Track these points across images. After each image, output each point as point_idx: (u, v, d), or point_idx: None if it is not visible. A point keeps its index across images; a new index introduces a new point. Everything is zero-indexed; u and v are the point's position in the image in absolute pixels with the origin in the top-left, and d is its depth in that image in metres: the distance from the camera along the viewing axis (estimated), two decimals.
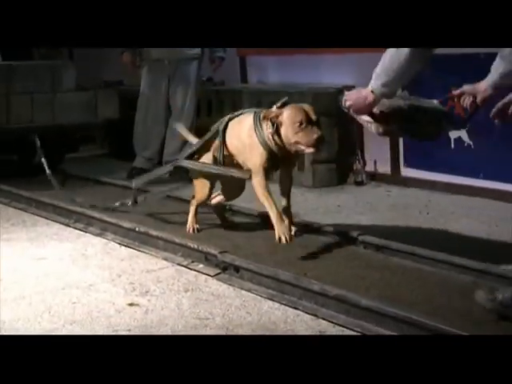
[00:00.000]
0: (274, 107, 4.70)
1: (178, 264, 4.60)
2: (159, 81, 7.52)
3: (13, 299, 4.05)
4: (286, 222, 4.62)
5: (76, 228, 5.51)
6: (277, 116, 4.58)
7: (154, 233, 4.98)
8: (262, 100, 6.81)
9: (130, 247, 4.99)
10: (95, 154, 8.59)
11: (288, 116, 4.55)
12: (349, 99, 3.93)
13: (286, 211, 4.71)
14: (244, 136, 4.79)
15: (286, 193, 4.78)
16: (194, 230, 5.13)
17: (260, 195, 4.65)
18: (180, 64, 7.41)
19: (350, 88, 6.97)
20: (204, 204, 5.20)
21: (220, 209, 5.39)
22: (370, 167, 6.95)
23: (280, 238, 4.47)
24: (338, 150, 6.92)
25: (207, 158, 5.08)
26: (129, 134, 7.76)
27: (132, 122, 7.72)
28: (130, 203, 5.55)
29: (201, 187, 5.09)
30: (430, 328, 3.33)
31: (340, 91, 6.86)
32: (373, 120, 3.98)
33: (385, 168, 6.86)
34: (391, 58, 3.56)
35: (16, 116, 7.17)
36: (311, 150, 4.54)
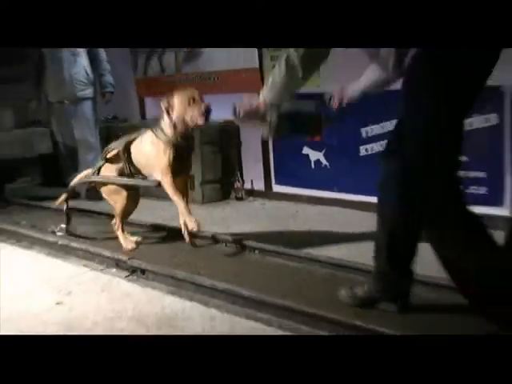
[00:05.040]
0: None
1: (95, 269, 4.61)
2: (64, 119, 7.44)
3: None
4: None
5: (8, 243, 5.45)
6: (169, 102, 4.58)
7: (74, 244, 5.00)
8: None
9: (55, 257, 4.97)
10: (31, 184, 8.40)
11: (178, 97, 4.56)
12: (240, 105, 3.68)
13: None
14: (148, 149, 4.71)
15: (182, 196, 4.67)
16: (131, 247, 4.93)
17: (171, 194, 4.56)
18: (77, 104, 7.31)
19: (228, 122, 7.13)
20: (126, 216, 5.07)
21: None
22: (247, 185, 7.07)
23: (193, 227, 4.49)
24: (221, 172, 6.98)
25: (111, 174, 4.98)
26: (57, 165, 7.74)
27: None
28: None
29: (116, 201, 4.97)
30: (297, 311, 3.48)
31: (223, 124, 7.05)
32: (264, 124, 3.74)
33: (259, 185, 6.97)
34: (273, 79, 3.42)
35: None
36: (202, 119, 4.53)
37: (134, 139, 4.88)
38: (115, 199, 4.99)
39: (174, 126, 4.61)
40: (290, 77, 3.35)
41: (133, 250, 4.88)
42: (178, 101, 4.57)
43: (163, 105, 4.61)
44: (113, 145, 5.01)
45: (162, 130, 4.64)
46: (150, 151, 4.70)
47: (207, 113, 4.55)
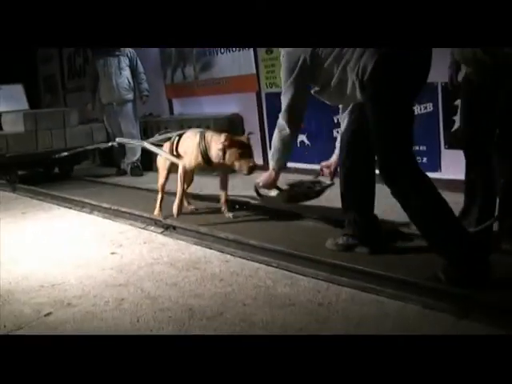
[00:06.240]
0: (223, 136, 4.19)
1: (138, 227, 4.58)
2: (113, 116, 7.47)
3: (39, 248, 4.03)
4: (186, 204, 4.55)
5: (75, 210, 5.42)
6: (227, 145, 4.12)
7: (123, 209, 4.94)
8: (183, 124, 6.82)
9: (109, 219, 4.94)
10: (91, 165, 8.47)
11: (233, 147, 4.12)
12: (260, 180, 3.60)
13: (225, 200, 4.54)
14: (192, 145, 4.35)
15: (224, 188, 4.55)
16: (159, 215, 4.65)
17: (179, 179, 4.45)
18: (122, 105, 7.35)
19: (235, 114, 7.09)
20: (163, 187, 4.73)
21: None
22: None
23: (175, 212, 4.40)
24: None
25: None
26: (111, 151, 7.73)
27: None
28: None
29: (160, 175, 4.73)
30: (286, 253, 3.46)
31: (230, 115, 6.99)
32: (280, 192, 3.74)
33: (259, 161, 6.82)
34: (273, 145, 3.37)
35: (41, 144, 7.13)
36: (246, 173, 4.12)
37: (184, 133, 4.65)
38: (159, 173, 4.80)
39: (221, 160, 4.20)
40: (282, 136, 3.29)
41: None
42: (232, 150, 4.13)
43: (222, 144, 4.14)
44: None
45: (206, 147, 4.28)
46: (192, 148, 4.38)
47: (252, 169, 4.10)
